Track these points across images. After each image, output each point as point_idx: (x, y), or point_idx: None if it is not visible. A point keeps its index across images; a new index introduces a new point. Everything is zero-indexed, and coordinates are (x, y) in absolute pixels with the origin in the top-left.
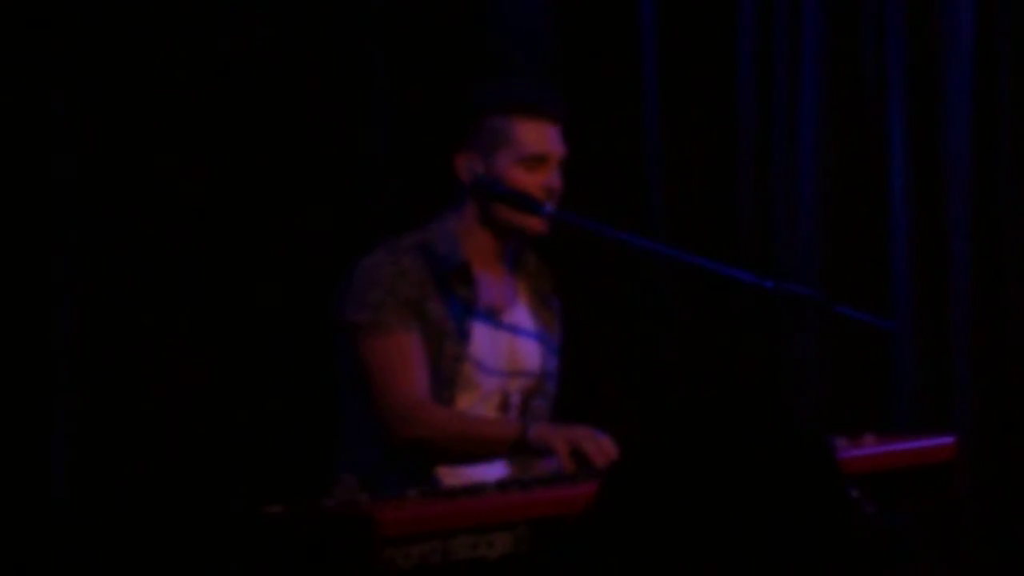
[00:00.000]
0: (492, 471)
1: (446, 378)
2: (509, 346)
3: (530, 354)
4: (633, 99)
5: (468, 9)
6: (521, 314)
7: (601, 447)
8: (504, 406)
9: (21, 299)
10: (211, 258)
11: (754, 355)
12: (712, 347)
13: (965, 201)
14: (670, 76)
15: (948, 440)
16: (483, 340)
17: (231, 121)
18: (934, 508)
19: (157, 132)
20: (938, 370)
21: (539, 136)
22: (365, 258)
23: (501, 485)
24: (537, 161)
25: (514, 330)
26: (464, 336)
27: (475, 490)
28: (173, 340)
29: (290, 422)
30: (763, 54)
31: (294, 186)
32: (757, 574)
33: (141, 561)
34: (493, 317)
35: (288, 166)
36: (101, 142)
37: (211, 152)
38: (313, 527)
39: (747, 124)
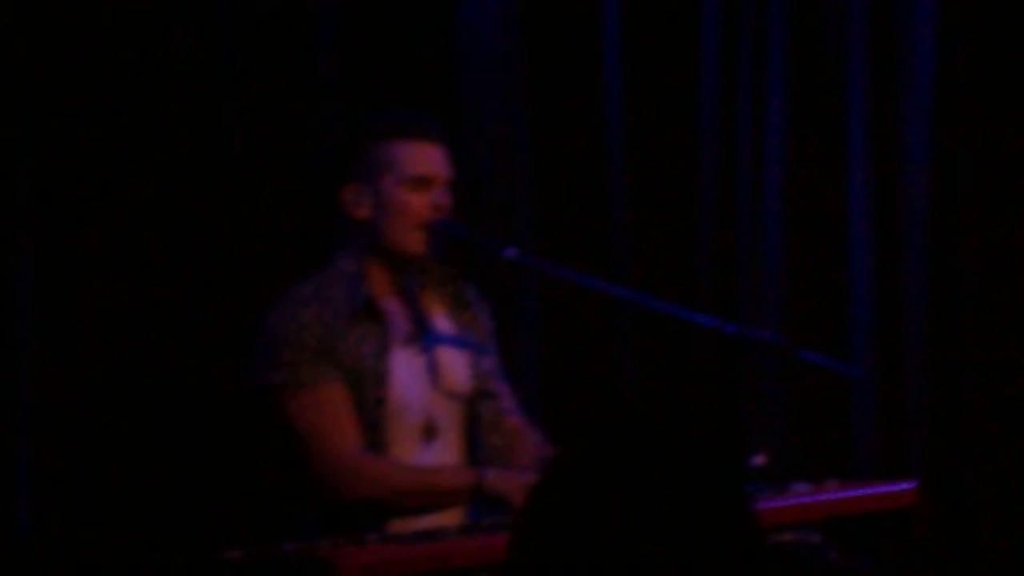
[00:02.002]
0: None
1: (371, 422)
2: (437, 370)
3: (459, 373)
4: (597, 143)
5: (431, 45)
6: (442, 328)
7: None
8: (427, 433)
9: None
10: (169, 286)
11: (713, 400)
12: (672, 392)
13: (923, 245)
14: (634, 119)
15: (909, 485)
16: (405, 373)
17: (183, 130)
18: (896, 553)
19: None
20: (898, 414)
21: (421, 157)
22: (267, 317)
23: (463, 529)
24: (422, 182)
25: (439, 351)
26: (382, 377)
27: (436, 535)
28: (130, 380)
29: (246, 462)
30: (726, 98)
31: (252, 193)
32: None
33: None
34: (412, 344)
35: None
36: (56, 155)
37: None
38: (273, 571)
39: (710, 169)
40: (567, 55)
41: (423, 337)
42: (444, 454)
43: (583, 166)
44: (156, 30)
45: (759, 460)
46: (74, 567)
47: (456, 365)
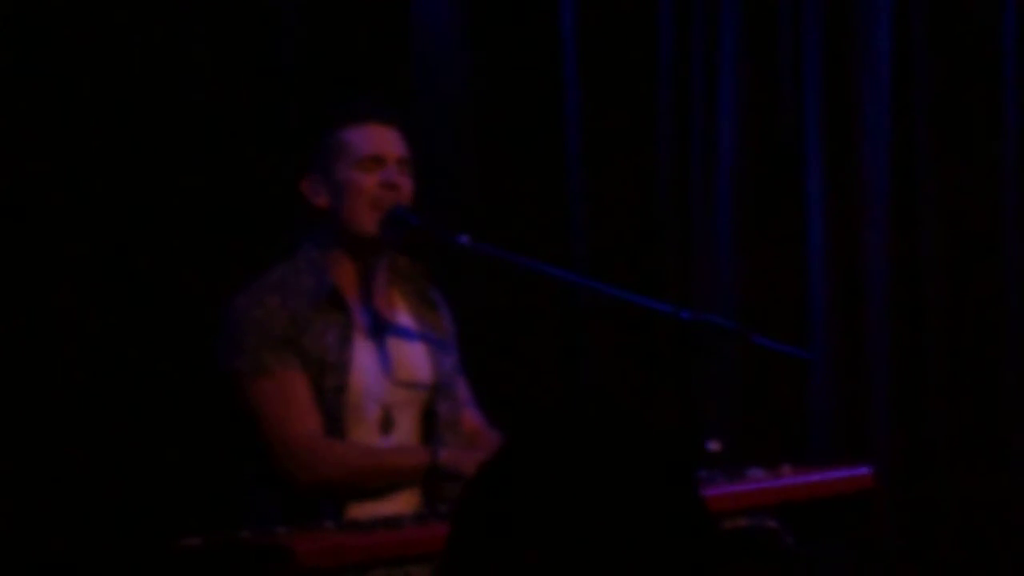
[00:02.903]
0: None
1: (330, 412)
2: (396, 362)
3: (419, 366)
4: (555, 134)
5: (386, 45)
6: (404, 323)
7: None
8: (384, 424)
9: None
10: (116, 276)
11: (669, 385)
12: (628, 377)
13: (882, 231)
14: (592, 109)
15: (865, 470)
16: (365, 364)
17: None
18: (851, 538)
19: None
20: (854, 400)
21: (370, 137)
22: (232, 303)
23: (419, 517)
24: (373, 162)
25: (399, 343)
26: (343, 367)
27: (392, 522)
28: (87, 365)
29: (203, 449)
30: (681, 86)
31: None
32: None
33: None
34: (374, 336)
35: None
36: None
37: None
38: (230, 559)
39: (665, 155)
40: (524, 40)
41: (384, 329)
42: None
43: (540, 152)
44: (118, 21)
45: (714, 445)
46: (30, 553)
47: (415, 358)
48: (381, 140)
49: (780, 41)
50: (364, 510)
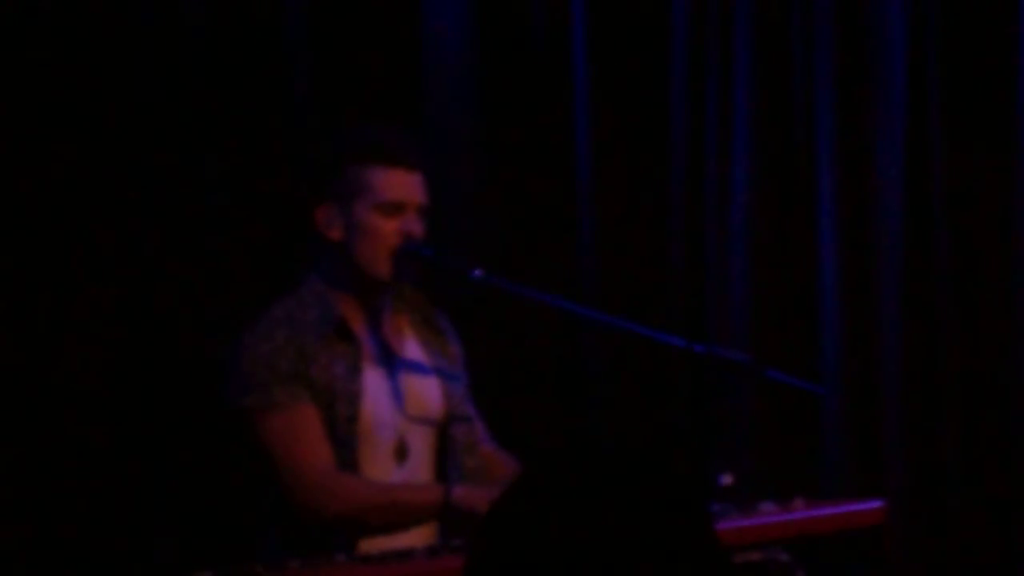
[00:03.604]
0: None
1: (343, 441)
2: (408, 394)
3: (430, 397)
4: (565, 164)
5: (396, 58)
6: (412, 352)
7: None
8: (399, 453)
9: None
10: (130, 309)
11: (681, 419)
12: (640, 411)
13: (895, 263)
14: (603, 141)
15: (877, 504)
16: (376, 393)
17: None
18: (863, 571)
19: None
20: (866, 434)
21: (396, 183)
22: (239, 339)
23: (431, 550)
24: (394, 208)
25: (408, 373)
26: (354, 397)
27: (405, 555)
28: (99, 402)
29: (218, 484)
30: (695, 120)
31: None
32: None
33: None
34: (383, 366)
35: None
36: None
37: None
38: None
39: (679, 188)
40: (535, 71)
41: (393, 359)
42: (416, 475)
43: (551, 186)
44: (129, 44)
45: (727, 480)
46: None
47: (426, 390)
48: (405, 187)
49: (793, 71)
50: (377, 543)
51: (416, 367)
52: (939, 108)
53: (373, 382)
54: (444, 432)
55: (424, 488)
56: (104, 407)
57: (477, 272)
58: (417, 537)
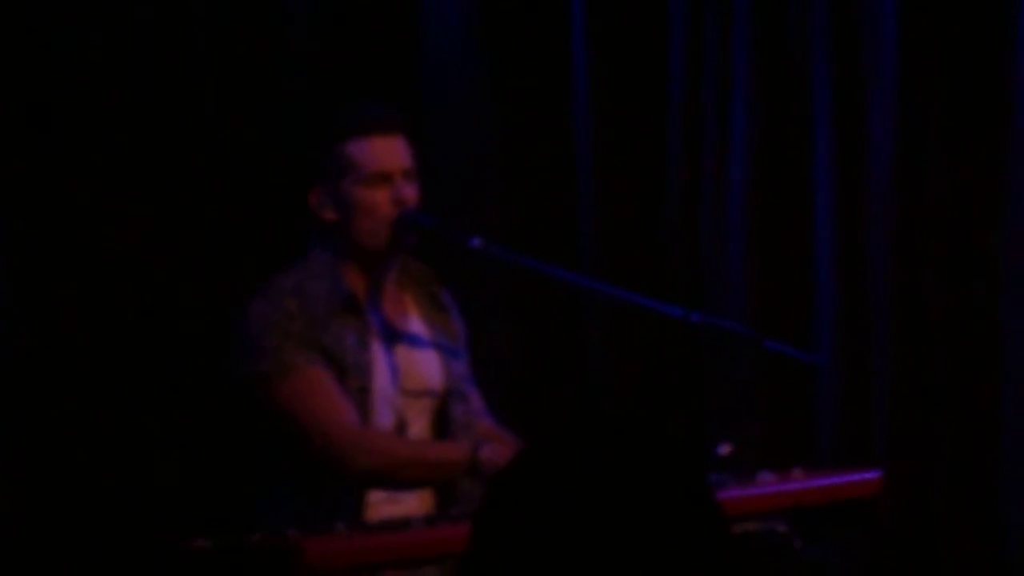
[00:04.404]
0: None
1: (356, 411)
2: (408, 368)
3: (430, 372)
4: (564, 135)
5: (396, 50)
6: (414, 327)
7: None
8: (398, 429)
9: None
10: (134, 277)
11: (679, 389)
12: (637, 381)
13: (888, 237)
14: (602, 110)
15: (874, 474)
16: (382, 367)
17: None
18: (860, 542)
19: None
20: (864, 403)
21: (376, 152)
22: (248, 307)
23: (429, 519)
24: (380, 178)
25: (408, 348)
26: (365, 368)
27: (403, 524)
28: (95, 366)
29: (213, 452)
30: (693, 94)
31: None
32: None
33: None
34: (389, 340)
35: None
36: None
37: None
38: (239, 561)
39: (675, 157)
40: (534, 40)
41: (395, 334)
42: None
43: (549, 155)
44: (129, 23)
45: (724, 449)
46: (40, 553)
47: (425, 364)
48: (386, 154)
49: (791, 45)
50: (378, 510)
51: (417, 341)
52: (933, 82)
53: (378, 357)
54: (442, 409)
55: (453, 445)
56: (102, 376)
57: (475, 241)
58: (418, 505)
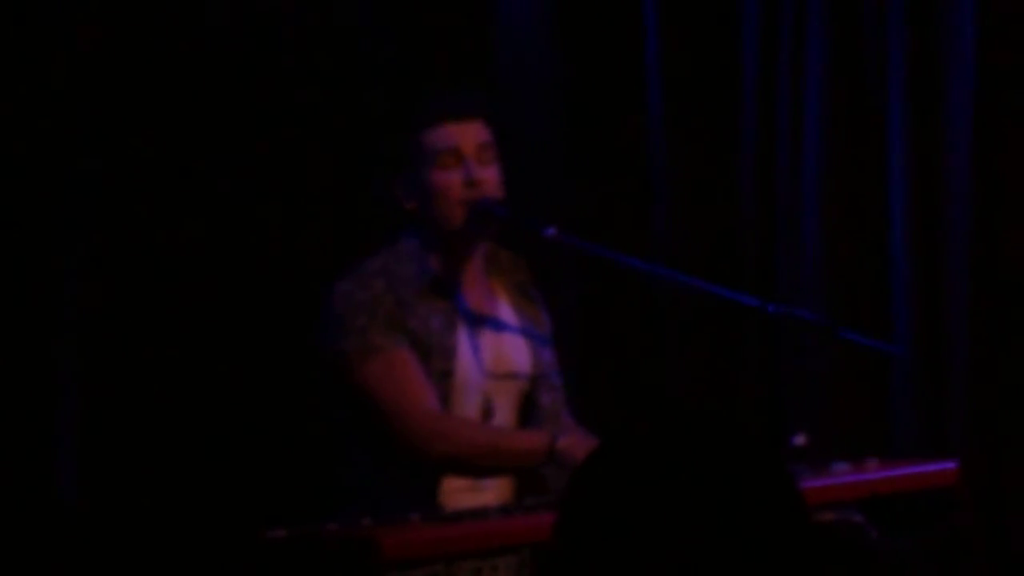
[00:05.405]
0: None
1: (438, 394)
2: (495, 352)
3: (518, 355)
4: (637, 125)
5: (472, 37)
6: (504, 314)
7: None
8: (486, 412)
9: (25, 303)
10: (207, 276)
11: (755, 379)
12: (713, 371)
13: (964, 226)
14: (674, 102)
15: (950, 464)
16: (467, 350)
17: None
18: (936, 532)
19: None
20: (938, 393)
21: (448, 135)
22: (336, 287)
23: (505, 509)
24: (451, 157)
25: (498, 334)
26: (449, 351)
27: (479, 514)
28: (176, 355)
29: (292, 443)
30: (766, 80)
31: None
32: None
33: None
34: (476, 325)
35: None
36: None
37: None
38: (315, 551)
39: (750, 150)
40: (607, 33)
41: (482, 319)
42: None
43: (624, 146)
44: (200, 21)
45: (800, 440)
46: (117, 542)
47: (513, 348)
48: (457, 136)
49: (866, 28)
50: (459, 500)
51: (504, 326)
52: (1011, 57)
53: (465, 341)
54: (530, 395)
55: (531, 434)
56: (182, 362)
57: (550, 230)
58: (495, 495)
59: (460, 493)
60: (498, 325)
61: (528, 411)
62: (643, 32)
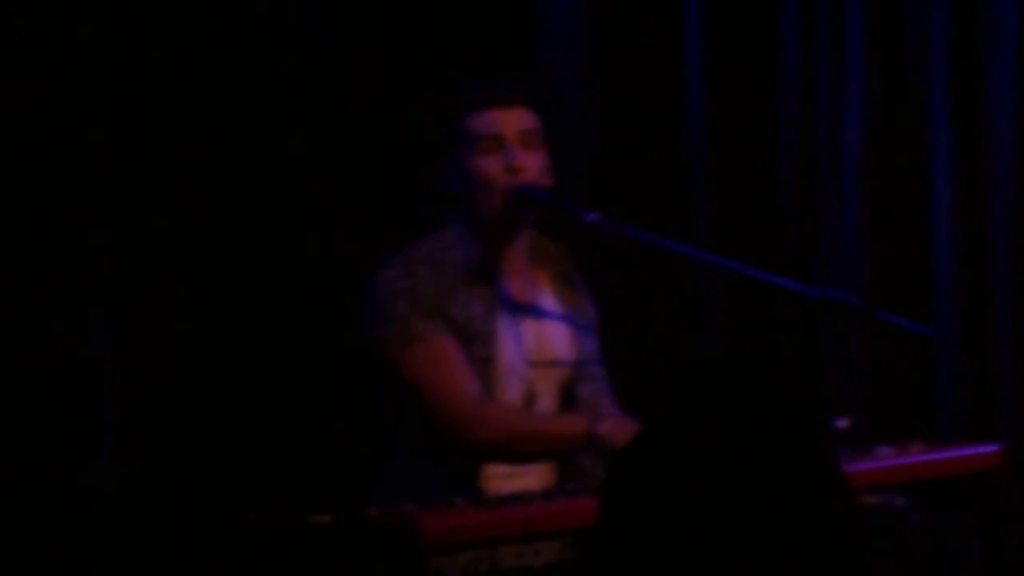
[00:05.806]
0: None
1: (480, 381)
2: (538, 339)
3: (561, 343)
4: (678, 107)
5: (510, 21)
6: (547, 303)
7: None
8: (529, 399)
9: (63, 306)
10: (246, 264)
11: (796, 363)
12: (755, 356)
13: (1008, 208)
14: (715, 84)
15: (994, 448)
16: (510, 338)
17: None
18: (979, 515)
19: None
20: (981, 378)
21: (490, 120)
22: (379, 273)
23: (547, 494)
24: (492, 142)
25: (541, 321)
26: (490, 337)
27: (521, 498)
28: (212, 349)
29: (332, 430)
30: (807, 63)
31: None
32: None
33: (184, 567)
34: (518, 312)
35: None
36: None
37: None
38: (359, 536)
39: (790, 130)
40: (647, 17)
41: (524, 306)
42: None
43: (663, 129)
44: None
45: (843, 423)
46: (159, 528)
47: (555, 335)
48: (499, 121)
49: (906, 6)
50: (495, 484)
51: (547, 314)
52: None
53: (508, 328)
54: (572, 385)
55: (571, 419)
56: (224, 348)
57: (591, 215)
58: (537, 479)
59: (501, 479)
60: (540, 313)
61: (570, 399)
62: (684, 18)
